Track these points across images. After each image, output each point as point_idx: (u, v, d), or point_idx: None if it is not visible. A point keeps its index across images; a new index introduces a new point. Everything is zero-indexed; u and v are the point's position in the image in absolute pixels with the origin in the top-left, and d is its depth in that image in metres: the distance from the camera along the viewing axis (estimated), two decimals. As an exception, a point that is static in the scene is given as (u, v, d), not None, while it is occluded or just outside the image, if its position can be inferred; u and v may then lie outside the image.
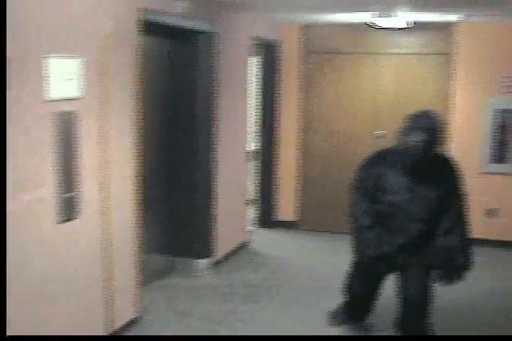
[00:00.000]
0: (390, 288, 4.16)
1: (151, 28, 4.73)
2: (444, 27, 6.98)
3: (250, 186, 7.38)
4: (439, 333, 4.04)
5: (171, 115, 5.65)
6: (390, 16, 6.01)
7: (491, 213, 7.04)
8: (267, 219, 7.69)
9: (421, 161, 3.73)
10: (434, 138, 3.69)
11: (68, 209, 3.66)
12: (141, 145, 4.52)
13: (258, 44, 7.20)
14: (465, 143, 7.02)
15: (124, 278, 4.40)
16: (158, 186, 5.60)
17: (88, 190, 3.86)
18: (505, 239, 6.97)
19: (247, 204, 6.94)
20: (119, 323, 4.36)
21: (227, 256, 6.32)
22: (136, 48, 4.36)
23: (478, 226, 7.01)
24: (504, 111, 6.88)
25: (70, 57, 3.60)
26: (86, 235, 3.88)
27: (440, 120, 3.82)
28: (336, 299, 4.61)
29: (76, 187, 3.71)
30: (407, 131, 3.74)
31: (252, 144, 7.54)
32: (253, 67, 7.24)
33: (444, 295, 4.52)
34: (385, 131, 7.27)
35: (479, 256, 6.61)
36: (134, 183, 4.45)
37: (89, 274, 3.96)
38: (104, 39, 3.94)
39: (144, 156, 4.75)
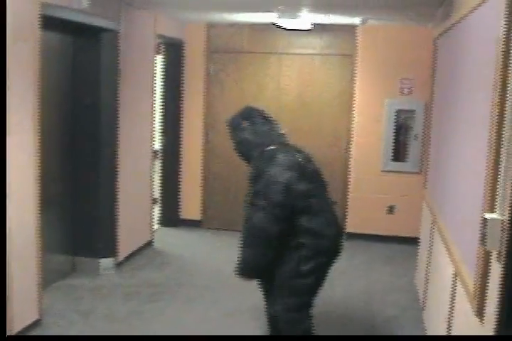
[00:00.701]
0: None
1: (53, 23, 4.66)
2: (348, 29, 7.17)
3: (155, 185, 7.35)
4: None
5: (74, 113, 5.57)
6: (294, 18, 6.11)
7: (391, 210, 7.28)
8: (171, 218, 7.69)
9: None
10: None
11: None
12: (42, 143, 4.44)
13: (163, 42, 7.19)
14: (368, 142, 7.23)
15: (25, 279, 4.31)
16: (61, 184, 5.51)
17: (-14, 189, 3.76)
18: (401, 235, 7.22)
19: (151, 202, 6.91)
20: (20, 325, 4.26)
21: (131, 256, 6.28)
22: (37, 44, 4.28)
23: (381, 223, 7.28)
24: (401, 111, 7.13)
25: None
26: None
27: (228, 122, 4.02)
28: (237, 296, 4.66)
29: (-27, 187, 3.61)
30: None
31: (158, 143, 7.51)
32: (158, 65, 7.22)
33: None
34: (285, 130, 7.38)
35: (383, 251, 6.93)
36: (34, 181, 4.36)
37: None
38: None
39: (46, 155, 4.66)
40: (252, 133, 3.85)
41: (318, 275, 3.71)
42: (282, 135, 3.97)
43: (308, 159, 3.85)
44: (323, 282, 3.77)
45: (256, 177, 3.71)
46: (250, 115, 3.94)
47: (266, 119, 3.96)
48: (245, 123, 3.87)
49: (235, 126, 3.93)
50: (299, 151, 3.86)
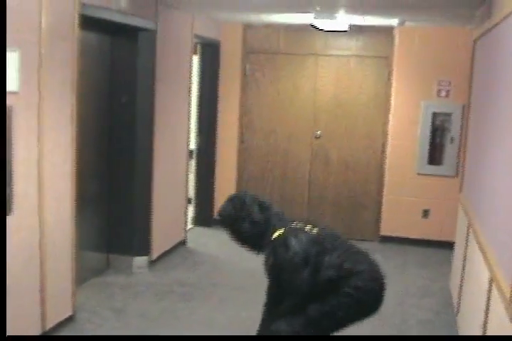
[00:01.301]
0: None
1: (92, 23, 4.71)
2: (385, 31, 7.13)
3: (190, 184, 7.38)
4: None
5: (111, 112, 5.61)
6: (331, 19, 6.08)
7: (426, 214, 7.21)
8: (206, 218, 7.70)
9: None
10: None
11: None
12: (79, 141, 4.48)
13: (200, 43, 7.21)
14: (403, 145, 7.17)
15: (59, 275, 4.36)
16: (96, 183, 5.56)
17: (23, 186, 3.81)
18: (435, 239, 7.15)
19: (186, 202, 6.93)
20: (54, 321, 4.31)
21: (165, 254, 6.31)
22: (75, 43, 4.32)
23: (416, 227, 7.22)
24: (438, 114, 7.06)
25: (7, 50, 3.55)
26: (20, 232, 3.82)
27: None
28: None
29: (10, 183, 3.66)
30: None
31: (193, 143, 7.54)
32: (195, 65, 7.25)
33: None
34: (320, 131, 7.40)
35: (417, 255, 6.86)
36: (71, 180, 4.40)
37: (24, 271, 3.90)
38: (43, 32, 3.89)
39: (82, 153, 4.71)
40: (252, 223, 3.63)
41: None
42: (282, 216, 3.74)
43: (322, 228, 3.68)
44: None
45: (280, 269, 3.49)
46: (244, 204, 3.69)
47: (260, 205, 3.73)
48: (242, 214, 3.64)
49: (232, 218, 3.67)
50: (307, 223, 3.67)
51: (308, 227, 3.62)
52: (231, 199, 3.78)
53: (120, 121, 5.64)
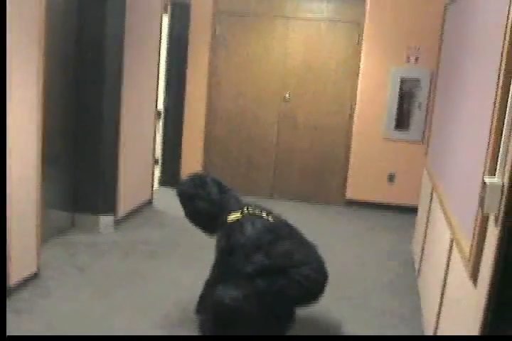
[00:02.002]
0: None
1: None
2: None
3: (157, 145, 7.35)
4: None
5: (78, 70, 5.53)
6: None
7: (391, 178, 7.29)
8: (172, 179, 7.69)
9: None
10: None
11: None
12: (45, 99, 4.42)
13: (171, 3, 7.12)
14: (371, 110, 7.21)
15: (24, 233, 4.33)
16: (62, 141, 5.50)
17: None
18: (400, 203, 7.24)
19: (153, 162, 6.91)
20: (18, 277, 4.30)
21: (131, 214, 6.31)
22: (42, -2, 4.24)
23: (382, 191, 7.30)
24: (406, 80, 7.09)
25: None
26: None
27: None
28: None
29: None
30: None
31: (161, 103, 7.49)
32: (165, 26, 7.16)
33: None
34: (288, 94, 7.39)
35: (382, 219, 6.97)
36: (36, 137, 4.35)
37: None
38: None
39: (49, 111, 4.66)
40: (210, 203, 3.72)
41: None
42: (239, 200, 3.84)
43: (276, 216, 3.78)
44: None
45: (230, 251, 3.59)
46: (204, 183, 3.78)
47: (220, 187, 3.82)
48: (201, 193, 3.73)
49: (190, 195, 3.77)
50: (262, 210, 3.76)
51: (264, 214, 3.69)
52: (192, 177, 3.86)
53: (87, 80, 5.56)
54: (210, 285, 3.76)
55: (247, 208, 3.72)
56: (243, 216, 3.64)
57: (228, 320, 3.54)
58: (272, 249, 3.53)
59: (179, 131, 7.72)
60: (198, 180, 3.80)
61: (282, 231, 3.68)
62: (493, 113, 2.54)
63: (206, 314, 3.64)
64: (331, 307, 4.39)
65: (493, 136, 2.47)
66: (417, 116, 7.14)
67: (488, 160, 2.48)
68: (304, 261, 3.59)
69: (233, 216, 3.65)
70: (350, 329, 4.14)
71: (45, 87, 4.41)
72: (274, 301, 3.54)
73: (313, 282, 3.58)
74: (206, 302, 3.70)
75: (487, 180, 2.29)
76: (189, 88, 7.63)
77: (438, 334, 3.48)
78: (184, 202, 3.80)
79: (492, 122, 2.52)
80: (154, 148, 6.95)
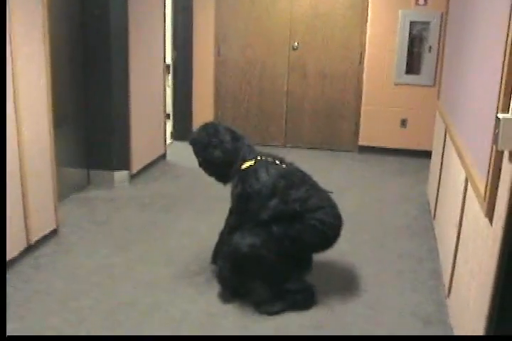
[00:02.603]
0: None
1: None
2: None
3: (168, 99, 7.33)
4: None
5: (84, 24, 5.48)
6: None
7: (403, 123, 7.26)
8: (184, 132, 7.69)
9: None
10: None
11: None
12: (53, 56, 4.40)
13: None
14: (381, 55, 7.12)
15: (41, 191, 4.36)
16: (73, 99, 5.49)
17: (-2, 99, 3.75)
18: (413, 148, 7.22)
19: (164, 117, 6.90)
20: (39, 235, 4.36)
21: (145, 168, 6.35)
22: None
23: (394, 137, 7.28)
24: (416, 23, 6.98)
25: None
26: (-2, 146, 3.80)
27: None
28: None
29: (-15, 97, 3.60)
30: None
31: (169, 57, 7.43)
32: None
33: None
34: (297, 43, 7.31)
35: (395, 164, 6.97)
36: (46, 95, 4.34)
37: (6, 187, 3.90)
38: None
39: (57, 68, 4.65)
40: (224, 151, 3.68)
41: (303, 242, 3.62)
42: (253, 148, 3.81)
43: (289, 163, 3.78)
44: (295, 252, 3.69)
45: (247, 197, 3.59)
46: (217, 132, 3.73)
47: (233, 135, 3.76)
48: (215, 141, 3.68)
49: (204, 144, 3.71)
50: (275, 158, 3.76)
51: (277, 161, 3.71)
52: (205, 127, 3.82)
53: (94, 36, 5.51)
54: (227, 233, 3.79)
55: (260, 156, 3.73)
56: (257, 163, 3.66)
57: (246, 268, 3.59)
58: (287, 195, 3.56)
59: (189, 84, 7.68)
60: (210, 128, 3.78)
61: (296, 178, 3.71)
62: (505, 50, 2.51)
63: (224, 262, 3.68)
64: (347, 251, 4.43)
65: (505, 71, 2.44)
66: (427, 60, 7.05)
67: (502, 97, 2.46)
68: (319, 205, 3.63)
69: (247, 163, 3.66)
70: (367, 272, 4.18)
71: (52, 43, 4.38)
72: (290, 247, 3.58)
73: (328, 226, 3.62)
74: (223, 251, 3.73)
75: (501, 115, 2.28)
76: (197, 40, 7.55)
77: (455, 275, 3.51)
78: (198, 152, 3.77)
79: (504, 59, 2.49)
80: (165, 103, 6.93)
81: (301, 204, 3.56)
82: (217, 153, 3.66)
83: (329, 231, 3.65)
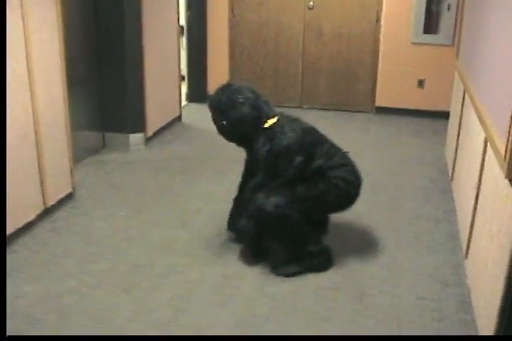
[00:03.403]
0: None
1: None
2: None
3: (182, 61, 7.26)
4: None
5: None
6: None
7: (421, 84, 7.15)
8: (199, 94, 7.64)
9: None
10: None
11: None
12: (65, 18, 4.34)
13: None
14: (398, 13, 6.98)
15: (56, 155, 4.35)
16: (87, 62, 5.45)
17: (12, 63, 3.70)
18: (431, 109, 7.13)
19: (179, 79, 6.84)
20: (55, 198, 4.37)
21: (160, 131, 6.32)
22: None
23: (411, 97, 7.19)
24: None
25: None
26: (13, 110, 3.77)
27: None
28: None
29: (-2, 60, 3.57)
30: None
31: (183, 18, 7.33)
32: None
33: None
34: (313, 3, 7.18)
35: (412, 125, 6.90)
36: (60, 57, 4.30)
37: (21, 150, 3.89)
38: None
39: (71, 31, 4.61)
40: (252, 106, 3.57)
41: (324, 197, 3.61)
42: (271, 106, 3.72)
43: (306, 123, 3.75)
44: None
45: (277, 154, 3.53)
46: (239, 89, 3.62)
47: (253, 92, 3.66)
48: (241, 98, 3.56)
49: (231, 103, 3.56)
50: (291, 116, 3.74)
51: (297, 119, 3.72)
52: (224, 87, 3.71)
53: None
54: (250, 192, 3.73)
55: (280, 114, 3.70)
56: (280, 120, 3.62)
57: (270, 227, 3.58)
58: (313, 151, 3.57)
59: (204, 46, 7.59)
60: (231, 88, 3.68)
61: (319, 135, 3.72)
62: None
63: (248, 220, 3.66)
64: (364, 212, 4.41)
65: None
66: (446, 19, 6.90)
67: (523, 55, 2.39)
68: (342, 163, 3.65)
69: (270, 121, 3.61)
70: (383, 234, 4.16)
71: (63, 5, 4.31)
72: (313, 207, 3.59)
73: (350, 184, 3.64)
74: (247, 209, 3.70)
75: (522, 74, 2.22)
76: (210, 1, 7.44)
77: (473, 237, 3.49)
78: (223, 112, 3.59)
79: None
80: (179, 65, 6.85)
81: (325, 161, 3.58)
82: (246, 108, 3.57)
83: (351, 189, 3.67)
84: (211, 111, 3.71)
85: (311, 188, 3.55)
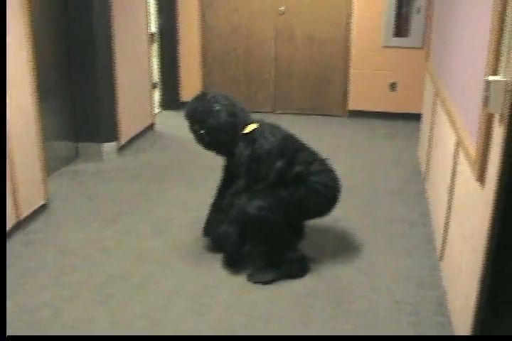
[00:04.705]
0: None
1: None
2: None
3: (154, 68, 7.23)
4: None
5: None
6: None
7: (393, 86, 7.19)
8: (172, 102, 7.63)
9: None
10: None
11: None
12: (33, 27, 4.31)
13: None
14: (368, 17, 7.02)
15: (28, 165, 4.31)
16: (57, 71, 5.40)
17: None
18: (403, 112, 7.17)
19: (151, 86, 6.81)
20: (28, 210, 4.33)
21: (133, 139, 6.28)
22: None
23: (383, 100, 7.23)
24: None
25: None
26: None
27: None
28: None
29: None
30: None
31: (154, 25, 7.31)
32: None
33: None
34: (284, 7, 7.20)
35: (385, 128, 6.94)
36: (28, 67, 4.26)
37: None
38: None
39: (39, 40, 4.57)
40: (229, 113, 3.57)
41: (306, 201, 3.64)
42: (248, 113, 3.74)
43: (285, 129, 3.77)
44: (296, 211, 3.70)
45: (257, 158, 3.53)
46: (215, 97, 3.62)
47: (229, 100, 3.67)
48: (217, 106, 3.57)
49: (207, 111, 3.57)
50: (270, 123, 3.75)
51: (274, 125, 3.73)
52: (200, 96, 3.71)
53: (75, 4, 5.38)
54: (233, 197, 3.72)
55: (259, 120, 3.72)
56: (261, 125, 3.64)
57: (252, 230, 3.57)
58: (294, 157, 3.59)
59: (175, 52, 7.57)
60: (207, 96, 3.68)
61: (297, 141, 3.75)
62: (493, 10, 2.45)
63: (229, 224, 3.65)
64: (339, 216, 4.40)
65: (494, 33, 2.38)
66: (416, 22, 6.95)
67: (491, 59, 2.41)
68: (322, 169, 3.69)
69: (251, 127, 3.62)
70: (359, 238, 4.17)
71: (32, 13, 4.27)
72: (295, 210, 3.62)
73: (330, 189, 3.68)
74: (229, 214, 3.69)
75: (491, 78, 2.23)
76: (181, 7, 7.42)
77: (447, 239, 3.50)
78: (200, 121, 3.60)
79: (493, 20, 2.44)
80: (151, 72, 6.83)
81: (305, 167, 3.60)
82: (224, 116, 3.57)
83: (331, 194, 3.71)
84: (188, 121, 3.71)
85: (293, 192, 3.57)
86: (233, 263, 3.77)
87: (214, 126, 3.58)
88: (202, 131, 3.63)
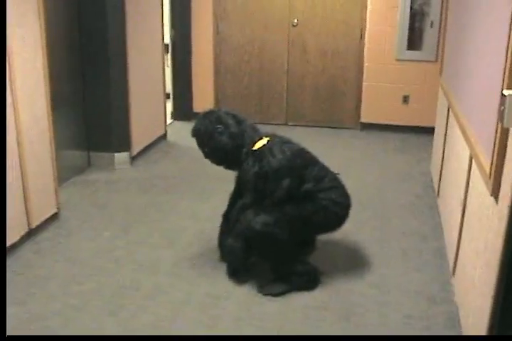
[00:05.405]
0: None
1: None
2: None
3: (167, 79, 7.26)
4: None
5: (80, 6, 5.38)
6: None
7: (406, 100, 7.19)
8: (185, 112, 7.65)
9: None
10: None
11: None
12: (48, 37, 4.32)
13: None
14: (382, 30, 7.03)
15: (40, 174, 4.32)
16: (70, 81, 5.43)
17: (-6, 82, 3.69)
18: (416, 125, 7.16)
19: (164, 97, 6.83)
20: (40, 219, 4.33)
21: (146, 149, 6.30)
22: None
23: (396, 113, 7.22)
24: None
25: None
26: (-5, 130, 3.75)
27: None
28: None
29: (-20, 80, 3.55)
30: None
31: (168, 36, 7.34)
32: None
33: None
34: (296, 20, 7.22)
35: (398, 141, 6.92)
36: (43, 76, 4.28)
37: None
38: None
39: (54, 50, 4.59)
40: (231, 136, 3.58)
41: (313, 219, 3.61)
42: (257, 129, 3.74)
43: (297, 143, 3.73)
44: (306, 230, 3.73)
45: (265, 176, 3.51)
46: (219, 118, 3.62)
47: (235, 118, 3.66)
48: (220, 128, 3.58)
49: (209, 133, 3.59)
50: (280, 137, 3.70)
51: (287, 140, 3.69)
52: (205, 115, 3.72)
53: (90, 15, 5.42)
54: (238, 212, 3.72)
55: (269, 136, 3.68)
56: (270, 142, 3.60)
57: (258, 246, 3.57)
58: (302, 174, 3.57)
59: (188, 63, 7.60)
60: (211, 116, 3.68)
61: (309, 156, 3.72)
62: (510, 24, 2.44)
63: (235, 239, 3.65)
64: (351, 230, 4.38)
65: (511, 47, 2.37)
66: (429, 35, 6.96)
67: (507, 73, 2.40)
68: (331, 185, 3.65)
69: (259, 143, 3.59)
70: (371, 252, 4.14)
71: (46, 24, 4.30)
72: (302, 227, 3.59)
73: (339, 206, 3.65)
74: (235, 228, 3.69)
75: (506, 92, 2.22)
76: (195, 18, 7.46)
77: (460, 253, 3.48)
78: (203, 142, 3.65)
79: (510, 33, 2.43)
80: (164, 83, 6.86)
81: (315, 184, 3.58)
82: (225, 139, 3.58)
83: (340, 211, 3.68)
84: (194, 139, 3.73)
85: (299, 208, 3.55)
86: (237, 275, 3.76)
87: (214, 148, 3.63)
88: (205, 150, 3.68)
